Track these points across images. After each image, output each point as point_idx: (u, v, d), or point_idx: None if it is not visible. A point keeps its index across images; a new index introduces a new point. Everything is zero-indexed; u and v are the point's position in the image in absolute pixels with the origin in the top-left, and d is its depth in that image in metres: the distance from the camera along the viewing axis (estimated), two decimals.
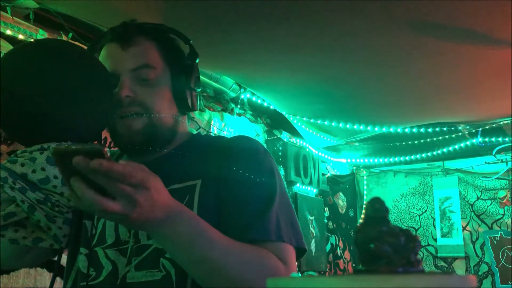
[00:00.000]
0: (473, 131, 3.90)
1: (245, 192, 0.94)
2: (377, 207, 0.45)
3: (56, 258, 1.04)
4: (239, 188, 0.94)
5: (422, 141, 4.11)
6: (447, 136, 3.96)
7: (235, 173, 0.95)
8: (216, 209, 0.93)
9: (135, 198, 0.71)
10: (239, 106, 3.41)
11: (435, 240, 4.67)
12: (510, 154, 4.23)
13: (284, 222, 0.93)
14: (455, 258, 4.59)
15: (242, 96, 3.35)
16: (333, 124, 3.73)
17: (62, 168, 0.70)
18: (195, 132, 1.14)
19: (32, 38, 2.12)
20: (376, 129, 3.82)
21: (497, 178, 4.38)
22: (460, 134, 3.90)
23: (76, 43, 2.16)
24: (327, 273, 4.23)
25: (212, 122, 3.17)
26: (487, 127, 3.83)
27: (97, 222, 0.99)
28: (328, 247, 4.40)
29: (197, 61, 1.07)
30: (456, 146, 4.21)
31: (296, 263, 0.96)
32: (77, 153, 0.67)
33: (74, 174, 0.69)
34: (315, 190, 4.28)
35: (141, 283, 0.90)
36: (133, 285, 0.91)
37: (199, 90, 1.08)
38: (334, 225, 4.61)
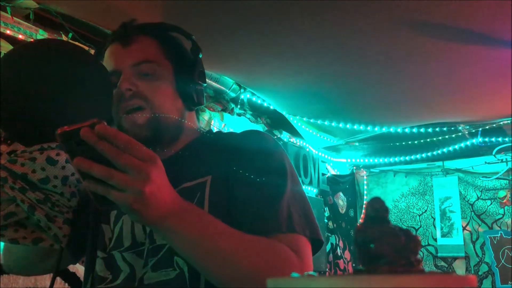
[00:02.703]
0: (473, 131, 3.90)
1: (255, 186, 0.92)
2: (377, 207, 0.45)
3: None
4: (249, 183, 0.92)
5: (422, 141, 4.11)
6: (447, 136, 3.96)
7: (245, 167, 0.93)
8: (227, 204, 0.91)
9: (145, 170, 0.69)
10: (239, 106, 3.41)
11: (435, 240, 4.68)
12: (510, 154, 4.23)
13: (296, 213, 0.90)
14: (455, 258, 4.59)
15: (242, 96, 3.35)
16: (333, 124, 3.73)
17: (69, 151, 0.68)
18: (204, 129, 1.13)
19: (32, 38, 2.12)
20: (376, 129, 3.82)
21: (497, 178, 4.38)
22: (460, 134, 3.90)
23: (76, 43, 2.16)
24: (327, 273, 4.23)
25: (212, 122, 3.17)
26: (487, 127, 3.83)
27: (114, 226, 0.99)
28: (328, 247, 4.40)
29: (200, 55, 1.06)
30: (456, 146, 4.21)
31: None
32: (79, 130, 0.66)
33: (81, 155, 0.68)
34: (315, 190, 4.28)
35: (156, 283, 0.89)
36: (149, 286, 0.90)
37: (204, 85, 1.08)
38: (334, 225, 4.61)
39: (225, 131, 1.19)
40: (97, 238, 0.99)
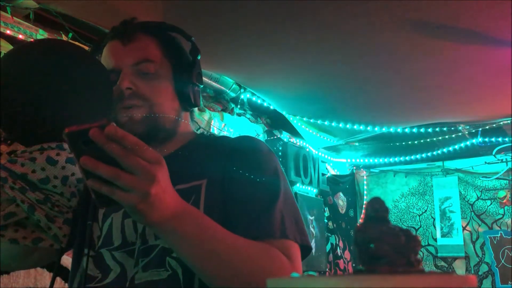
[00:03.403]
0: (473, 131, 3.90)
1: (250, 191, 0.93)
2: (377, 207, 0.45)
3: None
4: (243, 187, 0.94)
5: (422, 141, 4.11)
6: (447, 136, 3.96)
7: (239, 172, 0.95)
8: (221, 208, 0.93)
9: (152, 172, 0.69)
10: (239, 106, 3.41)
11: (435, 240, 4.68)
12: (510, 154, 4.23)
13: (288, 219, 0.93)
14: (455, 258, 4.59)
15: (242, 96, 3.35)
16: (333, 124, 3.73)
17: (75, 150, 0.69)
18: (198, 132, 1.14)
19: (32, 38, 2.12)
20: (376, 129, 3.82)
21: (497, 178, 4.38)
22: (460, 134, 3.90)
23: (76, 43, 2.16)
24: (327, 273, 4.23)
25: (212, 122, 3.17)
26: (487, 127, 3.83)
27: (103, 224, 0.99)
28: (328, 247, 4.40)
29: (198, 57, 1.07)
30: (456, 146, 4.21)
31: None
32: (88, 130, 0.66)
33: (87, 155, 0.68)
34: (315, 190, 4.28)
35: (146, 283, 0.90)
36: (140, 285, 0.90)
37: (201, 86, 1.09)
38: (334, 225, 4.61)
39: (219, 135, 1.19)
40: (84, 236, 0.99)
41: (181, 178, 0.95)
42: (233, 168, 0.96)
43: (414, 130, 3.87)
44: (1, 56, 1.10)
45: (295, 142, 4.08)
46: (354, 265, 4.78)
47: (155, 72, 1.01)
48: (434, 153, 4.44)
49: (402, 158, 4.63)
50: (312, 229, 4.05)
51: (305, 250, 0.95)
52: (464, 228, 4.56)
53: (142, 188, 0.69)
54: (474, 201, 4.57)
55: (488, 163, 4.38)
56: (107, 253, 0.95)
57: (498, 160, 4.29)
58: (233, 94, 3.25)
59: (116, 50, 1.02)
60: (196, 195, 0.94)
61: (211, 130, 3.11)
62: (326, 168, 4.64)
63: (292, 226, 0.92)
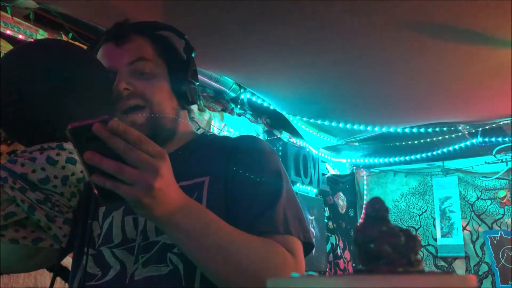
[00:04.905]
0: (473, 131, 3.90)
1: (253, 188, 0.94)
2: (377, 207, 0.45)
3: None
4: (246, 185, 0.94)
5: (422, 141, 4.11)
6: (447, 136, 3.96)
7: (242, 170, 0.95)
8: (224, 205, 0.93)
9: (155, 166, 0.70)
10: (239, 106, 3.41)
11: (435, 240, 4.68)
12: (510, 154, 4.23)
13: (291, 216, 0.93)
14: (455, 258, 4.59)
15: (242, 96, 3.35)
16: (333, 124, 3.73)
17: (78, 147, 0.69)
18: (198, 131, 1.14)
19: (32, 38, 2.12)
20: (376, 129, 3.82)
21: (497, 178, 4.38)
22: (460, 134, 3.90)
23: (76, 43, 2.16)
24: (327, 273, 4.23)
25: (212, 122, 3.17)
26: (487, 127, 3.83)
27: (103, 222, 0.99)
28: (328, 247, 4.40)
29: (193, 55, 1.08)
30: (456, 146, 4.21)
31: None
32: (91, 126, 0.67)
33: (91, 150, 0.68)
34: (315, 190, 4.28)
35: (146, 279, 0.89)
36: (139, 282, 0.90)
37: (197, 83, 1.09)
38: (334, 225, 4.61)
39: (220, 135, 1.20)
40: (85, 235, 0.98)
41: (183, 175, 0.95)
42: (235, 166, 0.96)
43: (414, 130, 3.87)
44: (1, 56, 1.10)
45: (295, 142, 4.08)
46: (354, 265, 4.78)
47: (151, 71, 1.02)
48: (434, 153, 4.44)
49: (402, 158, 4.63)
50: (312, 229, 4.05)
51: (307, 247, 0.95)
52: (464, 228, 4.56)
53: (145, 182, 0.69)
54: (474, 201, 4.57)
55: (488, 163, 4.38)
56: (107, 250, 0.95)
57: (498, 160, 4.29)
58: (233, 94, 3.25)
59: (110, 52, 1.03)
60: (198, 192, 0.94)
61: (211, 130, 3.11)
62: (326, 168, 4.64)
63: (295, 223, 0.93)
